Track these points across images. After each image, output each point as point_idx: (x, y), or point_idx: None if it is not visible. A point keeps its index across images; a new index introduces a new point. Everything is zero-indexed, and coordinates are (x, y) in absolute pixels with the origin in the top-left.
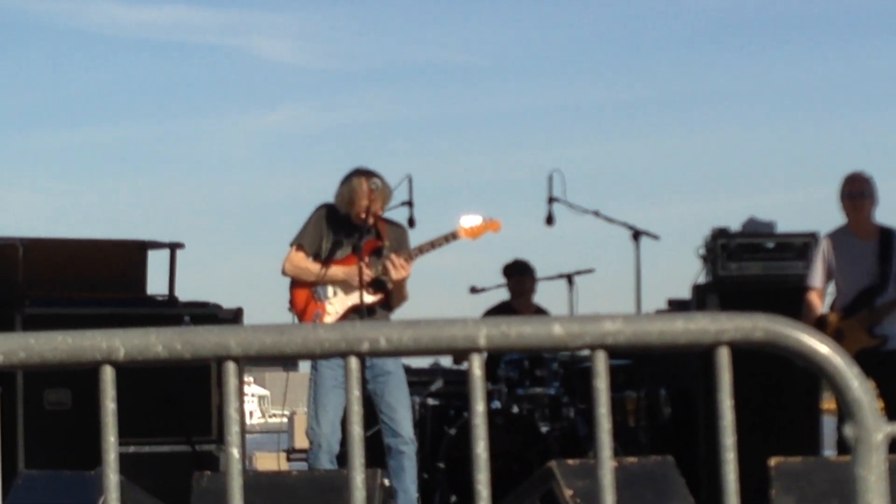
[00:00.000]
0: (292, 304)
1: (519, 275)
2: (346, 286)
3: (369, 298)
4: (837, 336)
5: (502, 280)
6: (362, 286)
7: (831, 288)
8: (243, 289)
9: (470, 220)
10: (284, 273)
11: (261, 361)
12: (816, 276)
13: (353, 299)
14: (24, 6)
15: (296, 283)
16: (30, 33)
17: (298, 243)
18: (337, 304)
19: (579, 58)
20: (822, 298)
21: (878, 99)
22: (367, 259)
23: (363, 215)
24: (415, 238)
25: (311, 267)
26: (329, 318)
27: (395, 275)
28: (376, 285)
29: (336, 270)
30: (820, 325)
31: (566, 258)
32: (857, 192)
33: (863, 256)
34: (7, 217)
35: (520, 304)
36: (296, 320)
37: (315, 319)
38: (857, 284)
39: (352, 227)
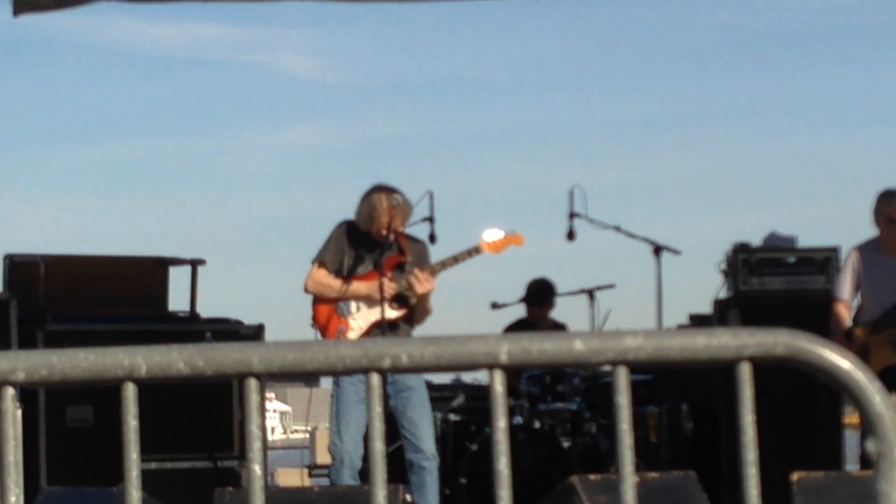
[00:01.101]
0: (315, 320)
1: (541, 304)
2: (369, 302)
3: (392, 314)
4: (863, 351)
5: (524, 296)
6: (384, 301)
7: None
8: (265, 305)
9: (492, 235)
10: (307, 290)
11: (282, 377)
12: (845, 288)
13: (376, 315)
14: (47, 24)
15: (318, 299)
16: (51, 51)
17: (320, 260)
18: (360, 319)
19: (600, 74)
20: (849, 311)
21: None
22: (389, 274)
23: (384, 231)
24: (436, 253)
25: (334, 284)
26: (353, 334)
27: (419, 289)
28: (399, 301)
29: (358, 286)
30: (847, 338)
31: (587, 273)
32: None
33: (893, 273)
34: (29, 234)
35: (538, 327)
36: (318, 336)
37: (338, 335)
38: (885, 301)
39: (373, 243)
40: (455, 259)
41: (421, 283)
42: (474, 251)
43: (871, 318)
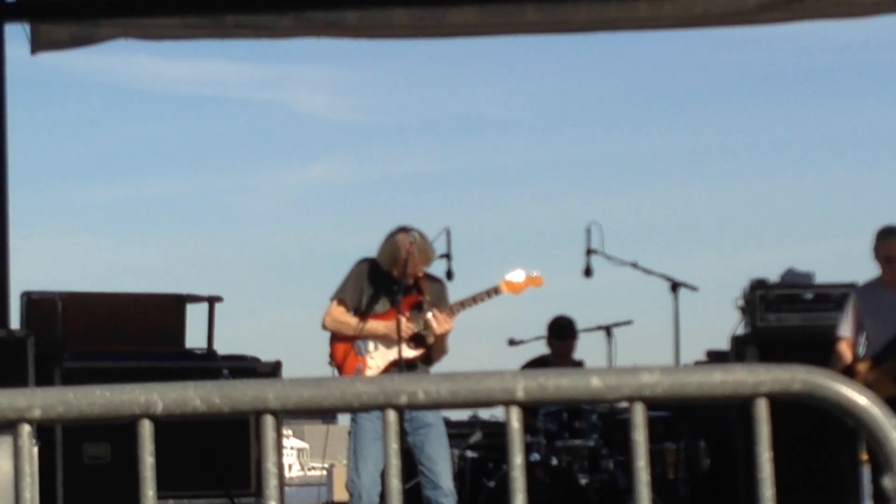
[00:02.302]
0: (332, 358)
1: (564, 339)
2: (386, 341)
3: (410, 353)
4: (866, 386)
5: (544, 334)
6: (401, 341)
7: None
8: (282, 342)
9: (513, 276)
10: (324, 327)
11: (299, 414)
12: (845, 326)
13: (394, 354)
14: (64, 63)
15: (336, 337)
16: (68, 89)
17: (339, 297)
18: (378, 358)
19: (617, 111)
20: (851, 349)
21: None
22: (407, 314)
23: (405, 273)
24: (454, 290)
25: (351, 321)
26: (370, 373)
27: (438, 330)
28: (417, 340)
29: (376, 325)
30: (848, 374)
31: (604, 310)
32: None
33: (892, 307)
34: (46, 271)
35: (559, 363)
36: (336, 374)
37: (356, 374)
38: (885, 335)
39: (392, 281)
40: (474, 300)
41: (440, 323)
42: (493, 292)
43: (873, 353)
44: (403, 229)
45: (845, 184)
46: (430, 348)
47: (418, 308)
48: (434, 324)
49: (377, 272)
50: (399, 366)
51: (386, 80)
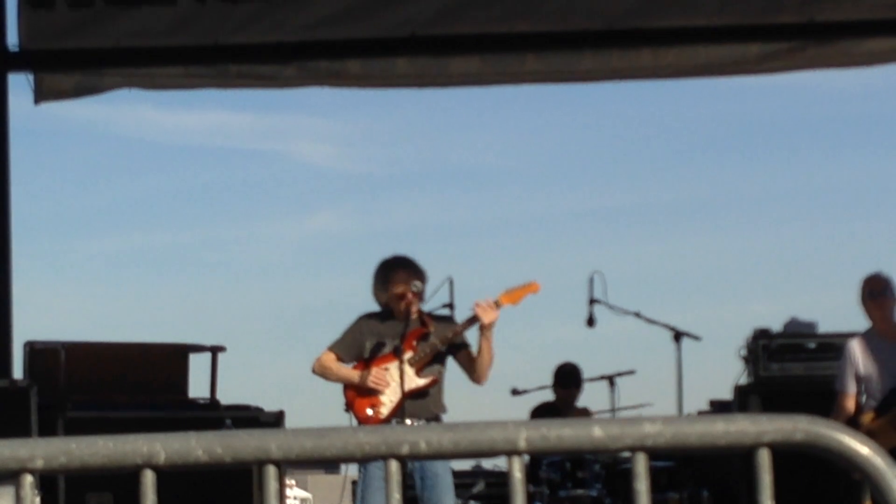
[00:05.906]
0: (347, 404)
1: (567, 387)
2: (397, 374)
3: (420, 381)
4: (870, 437)
5: (550, 381)
6: (403, 379)
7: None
8: (285, 392)
9: (509, 288)
10: (313, 371)
11: (303, 464)
12: (844, 381)
13: (407, 385)
14: (65, 113)
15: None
16: (71, 140)
17: (333, 348)
18: (390, 393)
19: (618, 160)
20: (853, 402)
21: None
22: (414, 343)
23: (403, 304)
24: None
25: (335, 367)
26: (384, 408)
27: (486, 318)
28: (427, 367)
29: (350, 374)
30: (851, 426)
31: (607, 360)
32: (878, 290)
33: (890, 357)
34: (49, 321)
35: (565, 409)
36: (352, 416)
37: (371, 409)
38: (886, 385)
39: (395, 325)
40: (476, 317)
41: (485, 311)
42: (494, 305)
43: (875, 405)
44: (402, 273)
45: (848, 234)
46: (474, 360)
47: (424, 338)
48: (481, 313)
49: (377, 323)
50: (411, 396)
51: (388, 131)
